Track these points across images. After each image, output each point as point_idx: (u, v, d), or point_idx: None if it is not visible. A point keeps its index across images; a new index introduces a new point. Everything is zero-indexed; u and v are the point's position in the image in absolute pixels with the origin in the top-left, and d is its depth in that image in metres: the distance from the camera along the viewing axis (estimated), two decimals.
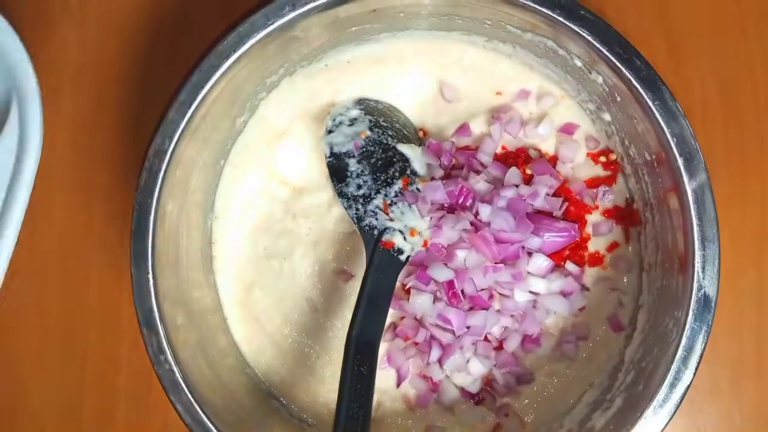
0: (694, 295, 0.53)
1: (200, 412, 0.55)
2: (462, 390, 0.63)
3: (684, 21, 0.68)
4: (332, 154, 0.63)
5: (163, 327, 0.55)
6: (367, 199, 0.62)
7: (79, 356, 0.68)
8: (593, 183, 0.64)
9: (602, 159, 0.64)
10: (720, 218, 0.54)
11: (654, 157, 0.57)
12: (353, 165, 0.63)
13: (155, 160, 0.56)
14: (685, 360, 0.52)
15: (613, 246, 0.64)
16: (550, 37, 0.58)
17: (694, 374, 0.53)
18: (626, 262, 0.63)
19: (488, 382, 0.63)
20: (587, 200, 0.63)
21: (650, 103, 0.54)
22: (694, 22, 0.68)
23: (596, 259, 0.64)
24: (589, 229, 0.64)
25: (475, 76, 0.65)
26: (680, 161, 0.54)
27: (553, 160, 0.64)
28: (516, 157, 0.64)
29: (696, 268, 0.53)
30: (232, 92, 0.59)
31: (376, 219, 0.61)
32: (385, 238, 0.60)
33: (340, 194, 0.62)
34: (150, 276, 0.55)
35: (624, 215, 0.64)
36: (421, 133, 0.66)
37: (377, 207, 0.62)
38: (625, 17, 0.68)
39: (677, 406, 0.53)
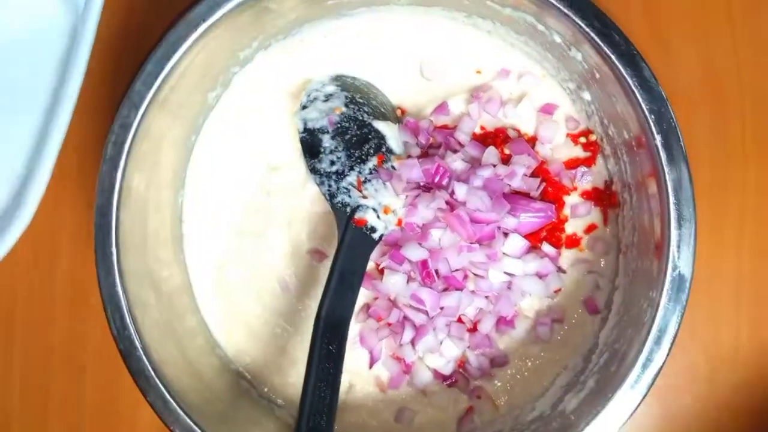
0: (668, 276, 0.52)
1: (165, 391, 0.54)
2: (435, 372, 0.62)
3: (670, 7, 0.67)
4: (306, 130, 0.62)
5: (126, 303, 0.54)
6: (341, 175, 0.60)
7: (46, 339, 0.67)
8: (572, 164, 0.63)
9: (582, 140, 0.63)
10: (700, 205, 0.53)
11: (632, 135, 0.56)
12: (327, 141, 0.61)
13: (120, 132, 0.54)
14: (658, 340, 0.51)
15: (591, 228, 0.63)
16: (530, 13, 0.57)
17: (668, 355, 0.52)
18: (604, 244, 0.62)
19: (461, 364, 0.62)
20: (566, 181, 0.62)
21: (629, 80, 0.53)
22: (680, 8, 0.67)
23: (573, 241, 0.63)
24: (567, 211, 0.63)
25: (455, 54, 0.64)
26: (658, 138, 0.53)
27: (533, 141, 0.63)
28: (495, 137, 0.63)
29: (671, 248, 0.52)
30: (203, 65, 0.58)
31: (349, 196, 0.60)
32: (358, 215, 0.59)
33: (313, 170, 0.61)
34: (113, 250, 0.54)
35: (602, 197, 0.63)
36: (399, 112, 0.65)
37: (350, 184, 0.60)
38: (608, 3, 0.66)
39: (649, 387, 0.52)
